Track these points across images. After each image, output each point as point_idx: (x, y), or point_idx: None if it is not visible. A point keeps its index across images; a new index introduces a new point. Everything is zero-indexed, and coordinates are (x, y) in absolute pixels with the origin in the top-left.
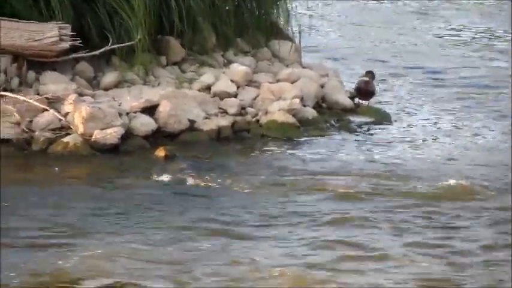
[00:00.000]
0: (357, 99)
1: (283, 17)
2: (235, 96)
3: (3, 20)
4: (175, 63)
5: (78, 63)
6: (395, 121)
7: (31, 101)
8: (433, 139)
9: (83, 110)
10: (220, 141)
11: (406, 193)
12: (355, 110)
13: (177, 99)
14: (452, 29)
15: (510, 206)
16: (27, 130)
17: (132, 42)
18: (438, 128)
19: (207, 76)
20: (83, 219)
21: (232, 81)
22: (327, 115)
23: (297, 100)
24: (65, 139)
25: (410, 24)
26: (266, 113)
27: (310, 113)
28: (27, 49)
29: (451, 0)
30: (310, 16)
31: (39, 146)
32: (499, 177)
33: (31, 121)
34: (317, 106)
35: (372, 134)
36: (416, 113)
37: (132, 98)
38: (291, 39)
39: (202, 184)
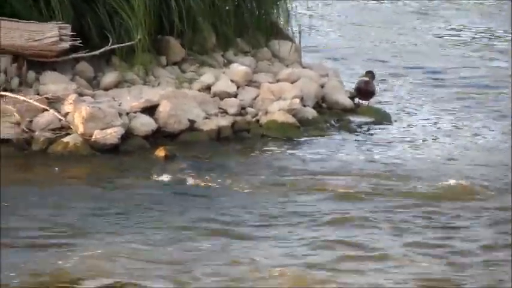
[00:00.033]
0: (357, 99)
1: (283, 17)
2: (235, 96)
3: (3, 20)
4: (175, 63)
5: (78, 63)
6: (395, 121)
7: (31, 101)
8: (433, 139)
9: (83, 110)
10: (220, 141)
11: (406, 193)
12: (355, 110)
13: (177, 99)
14: (452, 29)
15: (510, 206)
16: (27, 130)
17: (132, 42)
18: (438, 128)
19: (207, 76)
20: (83, 219)
21: (232, 81)
22: (327, 115)
23: (297, 100)
24: (65, 139)
25: (410, 24)
26: (266, 113)
27: (310, 113)
28: (27, 49)
29: (451, 0)
30: (310, 16)
31: (39, 146)
32: (499, 177)
33: (31, 121)
34: (317, 106)
35: (371, 134)
36: (416, 113)
37: (132, 98)
38: (291, 39)
39: (202, 184)
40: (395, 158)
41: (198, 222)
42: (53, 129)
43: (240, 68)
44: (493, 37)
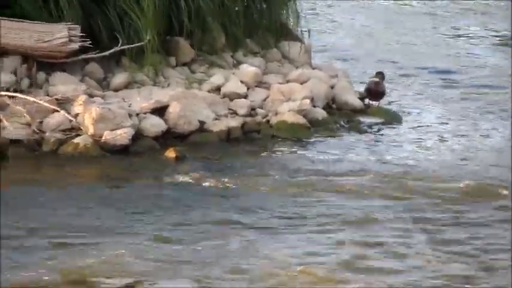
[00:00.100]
0: (367, 100)
1: (293, 18)
2: (245, 97)
3: (13, 21)
4: (184, 64)
5: (88, 64)
6: (405, 121)
7: (41, 102)
8: (443, 140)
9: (93, 111)
10: (230, 142)
11: (424, 193)
12: (365, 110)
13: (187, 100)
14: (460, 29)
15: None
16: (37, 131)
17: (142, 43)
18: (448, 129)
19: (217, 77)
20: (98, 220)
21: (242, 82)
22: (337, 116)
23: (307, 101)
24: (75, 140)
25: (418, 25)
26: (276, 113)
27: (320, 113)
28: (37, 50)
29: (458, 0)
30: (320, 17)
31: (49, 147)
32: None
33: (41, 122)
34: (327, 107)
35: (382, 135)
36: (426, 114)
37: (142, 99)
38: (301, 40)
39: (213, 185)
40: (407, 158)
41: (212, 222)
42: (64, 130)
43: (249, 68)
44: (501, 37)
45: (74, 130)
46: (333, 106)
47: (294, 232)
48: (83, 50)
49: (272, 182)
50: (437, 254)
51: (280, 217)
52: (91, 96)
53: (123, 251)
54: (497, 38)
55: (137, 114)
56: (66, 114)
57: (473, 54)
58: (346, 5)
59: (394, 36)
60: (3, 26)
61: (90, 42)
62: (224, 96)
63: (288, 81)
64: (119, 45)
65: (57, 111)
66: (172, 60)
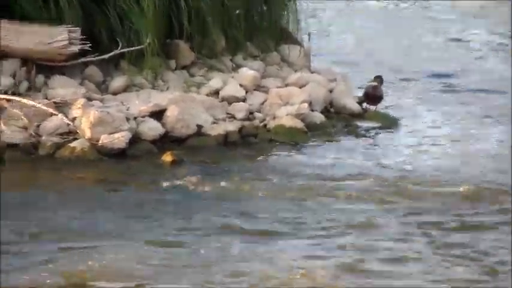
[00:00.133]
0: (365, 104)
1: (293, 22)
2: (244, 100)
3: (12, 23)
4: (184, 67)
5: (87, 67)
6: (403, 126)
7: (39, 105)
8: (441, 144)
9: (91, 114)
10: (228, 146)
11: (424, 197)
12: (363, 115)
13: (185, 103)
14: (459, 32)
15: None
16: (34, 135)
17: (142, 46)
18: (446, 133)
19: (216, 80)
20: (96, 224)
21: (240, 85)
22: (335, 120)
23: (305, 105)
24: (72, 144)
25: (418, 29)
26: (274, 117)
27: (318, 117)
28: (37, 53)
29: (459, 4)
30: (320, 20)
31: (46, 151)
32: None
33: (39, 126)
34: (325, 111)
35: (379, 139)
36: (424, 118)
37: (140, 102)
38: (300, 44)
39: (210, 189)
40: (405, 163)
41: (212, 226)
42: (61, 134)
43: (248, 72)
44: (501, 40)
45: (72, 134)
46: (331, 110)
47: (295, 236)
48: (82, 53)
49: (270, 186)
50: (441, 257)
51: (280, 221)
52: (90, 99)
53: (123, 256)
54: (496, 42)
55: (135, 118)
56: (64, 118)
57: (471, 58)
58: (345, 8)
59: (393, 40)
60: (3, 27)
61: (90, 45)
62: (222, 99)
63: (286, 85)
64: (119, 48)
65: (55, 114)
66: (172, 63)
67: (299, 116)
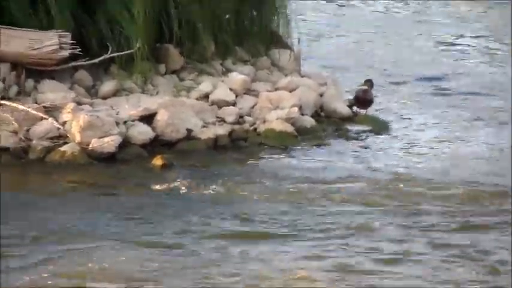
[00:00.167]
0: (355, 108)
1: (283, 26)
2: (234, 104)
3: (2, 28)
4: (174, 72)
5: (77, 71)
6: (394, 129)
7: (29, 109)
8: (431, 147)
9: (81, 118)
10: (218, 150)
11: (418, 199)
12: (353, 118)
13: (175, 107)
14: (452, 36)
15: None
16: (24, 139)
17: (132, 51)
18: (437, 136)
19: (205, 84)
20: (89, 227)
21: (230, 89)
22: (325, 124)
23: (296, 109)
24: (63, 148)
25: (409, 32)
26: (264, 121)
27: (309, 121)
28: (27, 57)
29: (451, 7)
30: (310, 24)
31: (36, 155)
32: (501, 182)
33: (28, 130)
34: (315, 115)
35: (369, 143)
36: (414, 121)
37: (130, 107)
38: (291, 48)
39: (200, 192)
40: (396, 166)
41: (206, 229)
42: (51, 138)
43: (238, 76)
44: (493, 44)
45: (62, 138)
46: (322, 114)
47: (292, 238)
48: (73, 57)
49: (260, 190)
50: (440, 258)
51: (276, 223)
52: (79, 103)
53: (123, 258)
54: (487, 46)
55: (125, 122)
56: (54, 122)
57: (462, 62)
58: (336, 12)
59: (384, 44)
60: None
61: (80, 49)
62: (212, 103)
63: (276, 89)
64: (109, 52)
65: (45, 118)
66: (162, 67)
67: (289, 120)
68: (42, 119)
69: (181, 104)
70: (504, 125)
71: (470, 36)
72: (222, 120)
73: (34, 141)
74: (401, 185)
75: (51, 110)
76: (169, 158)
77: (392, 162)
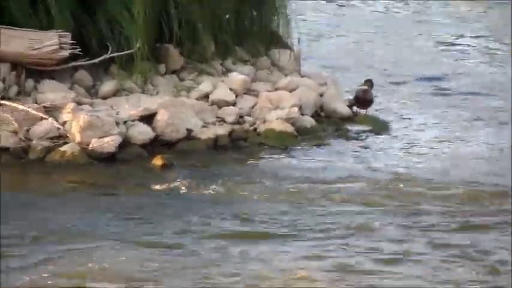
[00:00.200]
0: (355, 108)
1: (283, 26)
2: (234, 104)
3: (2, 28)
4: (174, 72)
5: (77, 71)
6: (394, 129)
7: (29, 109)
8: (431, 147)
9: (81, 118)
10: (218, 150)
11: (418, 199)
12: (353, 118)
13: (175, 107)
14: (452, 36)
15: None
16: (24, 139)
17: (132, 51)
18: (437, 136)
19: (205, 84)
20: (89, 227)
21: (230, 89)
22: (325, 124)
23: (296, 109)
24: (63, 148)
25: (409, 32)
26: (264, 121)
27: (309, 121)
28: (27, 57)
29: (451, 7)
30: (310, 24)
31: (36, 155)
32: (500, 182)
33: (28, 130)
34: (315, 115)
35: (369, 143)
36: (414, 121)
37: (130, 107)
38: (291, 48)
39: (200, 192)
40: (396, 166)
41: (207, 229)
42: (51, 138)
43: (238, 76)
44: (493, 44)
45: (62, 138)
46: (322, 114)
47: (292, 238)
48: (73, 57)
49: (260, 190)
50: (440, 258)
51: (277, 223)
52: (79, 103)
53: (123, 258)
54: (487, 46)
55: (125, 122)
56: (54, 122)
57: (462, 62)
58: (336, 12)
59: (384, 44)
60: None
61: (80, 49)
62: (212, 103)
63: (276, 89)
64: (109, 52)
65: (45, 118)
66: (162, 67)
67: (289, 120)
68: (42, 119)
69: (181, 104)
70: (504, 125)
71: (470, 36)
72: (222, 120)
73: (34, 141)
74: (401, 185)
75: (51, 110)
76: (169, 158)
77: (392, 162)
